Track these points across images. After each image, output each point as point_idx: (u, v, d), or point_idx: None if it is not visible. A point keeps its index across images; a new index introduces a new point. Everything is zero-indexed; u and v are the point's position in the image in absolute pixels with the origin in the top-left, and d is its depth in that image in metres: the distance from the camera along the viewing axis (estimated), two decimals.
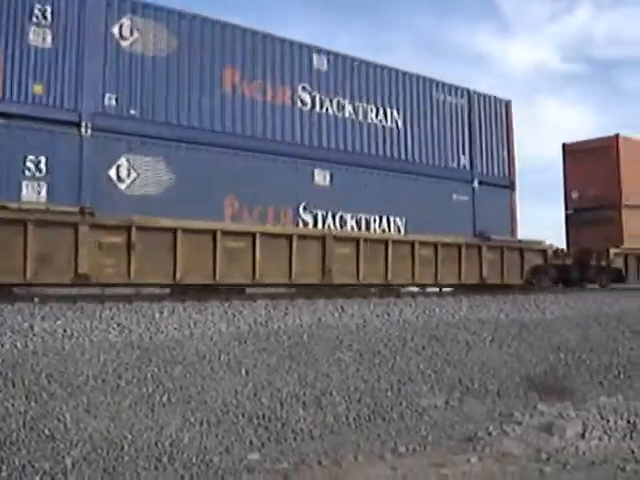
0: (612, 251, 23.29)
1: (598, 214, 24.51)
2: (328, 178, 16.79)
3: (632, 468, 6.96)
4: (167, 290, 14.59)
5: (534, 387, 10.16)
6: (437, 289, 19.36)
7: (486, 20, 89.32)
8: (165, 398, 8.02)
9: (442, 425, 8.45)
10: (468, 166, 20.02)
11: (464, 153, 19.93)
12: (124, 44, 13.79)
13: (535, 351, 11.87)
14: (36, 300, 11.63)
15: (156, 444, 7.11)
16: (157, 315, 10.97)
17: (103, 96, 13.51)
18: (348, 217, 17.05)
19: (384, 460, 7.20)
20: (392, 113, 18.19)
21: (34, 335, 9.24)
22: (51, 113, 12.86)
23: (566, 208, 26.36)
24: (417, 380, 9.86)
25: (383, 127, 18.00)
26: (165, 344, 9.48)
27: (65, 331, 9.55)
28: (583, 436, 7.98)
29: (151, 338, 9.73)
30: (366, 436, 7.95)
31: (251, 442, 7.48)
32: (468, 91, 20.43)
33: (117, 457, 6.81)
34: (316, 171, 16.65)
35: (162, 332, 10.09)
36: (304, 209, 16.20)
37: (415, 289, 18.69)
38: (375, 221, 17.56)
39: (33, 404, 7.40)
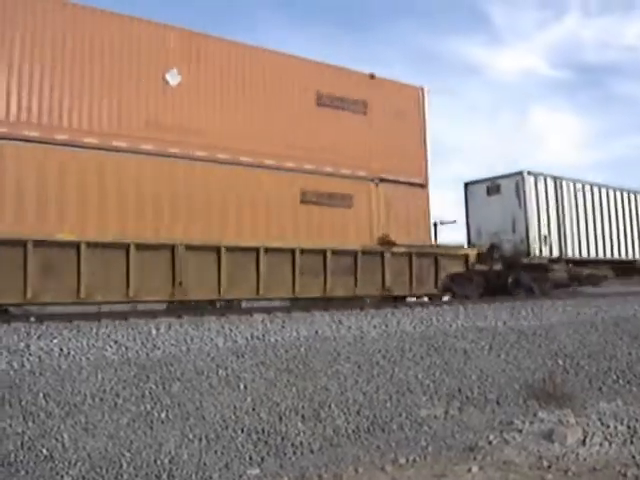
0: None
1: None
2: None
3: (633, 473, 6.95)
4: (163, 306, 14.54)
5: (533, 394, 10.14)
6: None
7: (478, 30, 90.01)
8: (163, 415, 7.99)
9: (442, 435, 8.43)
10: None
11: None
12: None
13: (533, 358, 11.85)
14: (32, 319, 11.59)
15: (155, 461, 7.08)
16: (154, 331, 10.93)
17: None
18: None
19: (385, 472, 7.17)
20: None
21: (30, 354, 9.20)
22: None
23: None
24: (416, 390, 9.84)
25: None
26: (162, 360, 9.44)
27: (62, 350, 9.51)
28: (584, 442, 7.98)
29: (148, 355, 9.69)
30: (366, 448, 7.93)
31: (250, 457, 7.46)
32: None
33: (116, 476, 6.78)
34: None
35: (159, 348, 10.05)
36: None
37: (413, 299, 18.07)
38: None
39: (31, 424, 7.36)
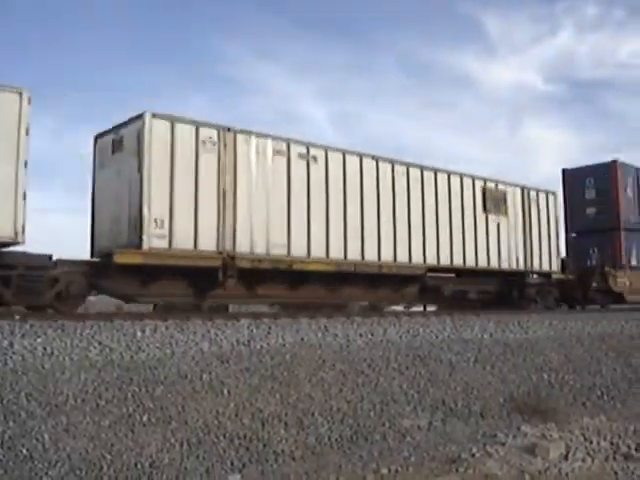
0: None
1: None
2: None
3: None
4: (150, 308, 14.50)
5: (517, 408, 10.14)
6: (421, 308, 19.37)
7: (473, 42, 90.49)
8: (145, 418, 7.93)
9: (425, 446, 8.40)
10: None
11: None
12: None
13: (518, 372, 11.85)
14: (17, 317, 11.52)
15: (135, 465, 7.02)
16: (139, 334, 10.87)
17: None
18: None
19: None
20: None
21: (14, 353, 9.13)
22: None
23: None
24: (400, 400, 9.81)
25: None
26: (146, 363, 9.38)
27: (45, 349, 9.44)
28: (566, 457, 7.98)
29: (132, 357, 9.63)
30: (348, 457, 7.89)
31: (232, 463, 7.41)
32: None
33: (96, 478, 6.72)
34: None
35: (143, 351, 9.99)
36: None
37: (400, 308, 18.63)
38: None
39: (11, 424, 7.28)
